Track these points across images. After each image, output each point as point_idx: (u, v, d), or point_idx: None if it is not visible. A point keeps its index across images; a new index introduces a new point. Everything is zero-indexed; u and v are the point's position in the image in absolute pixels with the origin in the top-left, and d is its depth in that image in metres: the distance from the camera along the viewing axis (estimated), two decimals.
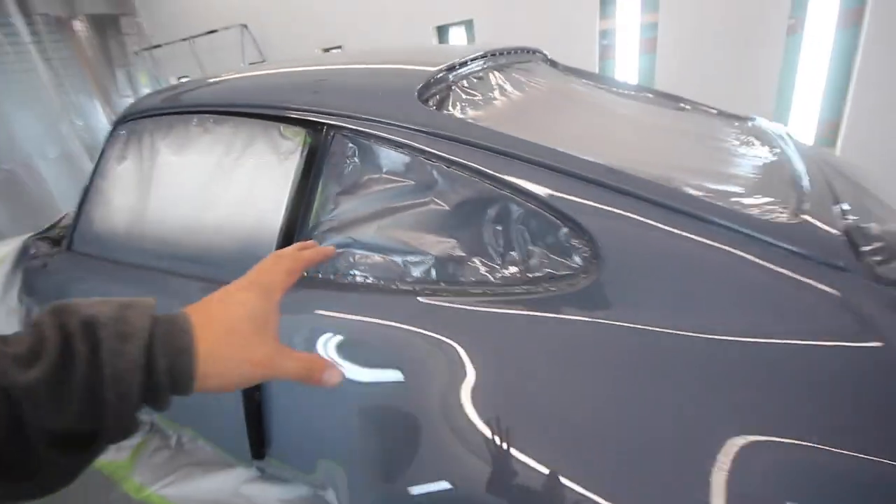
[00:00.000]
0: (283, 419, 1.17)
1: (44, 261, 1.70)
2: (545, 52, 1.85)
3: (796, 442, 0.62)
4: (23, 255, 1.84)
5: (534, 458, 0.73)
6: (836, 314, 0.70)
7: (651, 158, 0.99)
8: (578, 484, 0.69)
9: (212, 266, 1.17)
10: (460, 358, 0.83)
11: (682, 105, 1.65)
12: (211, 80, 1.33)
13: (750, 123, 1.51)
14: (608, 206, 0.80)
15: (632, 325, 0.76)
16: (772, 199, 0.86)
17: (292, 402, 1.12)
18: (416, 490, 0.80)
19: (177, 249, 1.24)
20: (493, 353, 0.83)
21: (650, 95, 1.68)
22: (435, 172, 0.94)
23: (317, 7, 4.57)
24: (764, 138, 1.26)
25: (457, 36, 4.19)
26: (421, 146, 0.94)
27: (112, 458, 2.01)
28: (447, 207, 0.94)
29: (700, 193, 0.83)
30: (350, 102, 1.01)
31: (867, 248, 0.76)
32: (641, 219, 0.78)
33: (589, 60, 3.64)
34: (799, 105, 3.25)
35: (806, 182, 0.94)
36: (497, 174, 0.88)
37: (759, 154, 1.10)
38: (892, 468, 0.58)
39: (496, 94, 1.20)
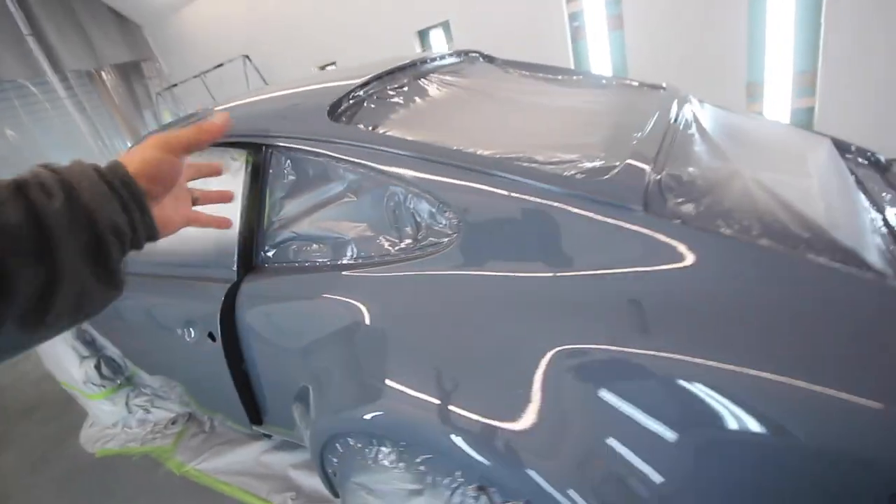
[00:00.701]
0: (266, 386, 1.45)
1: None
2: (481, 51, 2.06)
3: (601, 347, 0.83)
4: None
5: (417, 377, 0.97)
6: (631, 247, 0.89)
7: (522, 139, 1.19)
8: (444, 394, 0.93)
9: (191, 266, 1.47)
10: (370, 313, 1.08)
11: (602, 82, 1.82)
12: (185, 117, 1.64)
13: (660, 91, 1.67)
14: (460, 181, 1.02)
15: (484, 273, 0.98)
16: (604, 160, 1.04)
17: (267, 369, 1.40)
18: (354, 415, 1.06)
19: (171, 256, 1.55)
20: (393, 306, 1.07)
21: (573, 77, 1.86)
22: (344, 173, 1.19)
23: (307, 29, 4.91)
24: (653, 105, 1.42)
25: (437, 37, 4.40)
26: (331, 154, 1.19)
27: (159, 443, 2.38)
28: (356, 199, 1.19)
29: (542, 162, 1.04)
30: (276, 125, 1.28)
31: (668, 193, 0.95)
32: (485, 188, 1.00)
33: (562, 44, 3.77)
34: (772, 61, 3.26)
35: (646, 143, 1.11)
36: (386, 168, 1.11)
37: (629, 121, 1.28)
38: (665, 359, 0.77)
39: (411, 99, 1.43)
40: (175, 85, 6.08)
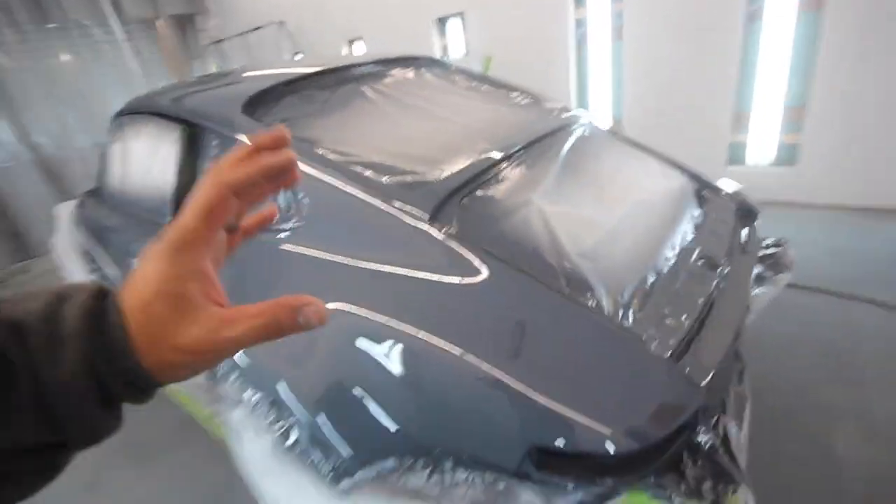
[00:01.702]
0: None
1: (85, 204, 2.54)
2: (436, 58, 2.28)
3: (357, 311, 1.10)
4: (80, 204, 2.72)
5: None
6: (429, 248, 1.14)
7: (387, 145, 1.45)
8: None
9: (146, 211, 1.85)
10: (244, 272, 1.41)
11: (513, 96, 2.01)
12: (155, 92, 1.98)
13: (560, 118, 1.87)
14: (313, 175, 1.30)
15: (311, 251, 1.27)
16: (425, 175, 1.29)
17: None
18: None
19: (136, 200, 1.94)
20: (264, 268, 1.39)
21: (499, 93, 2.05)
22: None
23: (338, 4, 5.18)
24: (529, 132, 1.63)
25: (454, 25, 4.56)
26: (238, 139, 1.49)
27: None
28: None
29: (376, 168, 1.30)
30: (209, 110, 1.59)
31: (457, 211, 1.20)
32: (323, 183, 1.28)
33: (565, 48, 3.86)
34: (762, 92, 3.25)
35: (473, 167, 1.35)
36: None
37: (489, 143, 1.50)
38: (401, 331, 1.03)
39: (324, 100, 1.70)
40: (222, 40, 6.57)
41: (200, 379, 2.25)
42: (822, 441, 1.62)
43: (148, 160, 1.86)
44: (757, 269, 1.64)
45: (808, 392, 1.83)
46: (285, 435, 1.21)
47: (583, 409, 0.89)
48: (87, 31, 5.57)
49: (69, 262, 2.89)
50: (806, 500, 1.48)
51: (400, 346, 1.07)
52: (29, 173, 5.23)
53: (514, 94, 2.06)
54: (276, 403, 1.22)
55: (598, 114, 4.05)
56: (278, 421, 1.23)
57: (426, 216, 1.17)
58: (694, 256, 1.33)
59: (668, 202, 1.50)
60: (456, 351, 0.99)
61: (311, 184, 1.32)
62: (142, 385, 0.33)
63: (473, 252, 1.12)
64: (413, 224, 1.17)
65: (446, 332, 1.02)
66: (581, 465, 0.96)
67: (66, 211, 3.00)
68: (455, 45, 4.66)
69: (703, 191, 1.70)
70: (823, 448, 1.60)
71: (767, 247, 1.76)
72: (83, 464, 1.92)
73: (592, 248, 1.20)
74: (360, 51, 5.38)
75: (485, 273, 1.09)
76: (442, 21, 4.60)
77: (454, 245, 1.13)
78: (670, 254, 1.31)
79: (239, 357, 1.28)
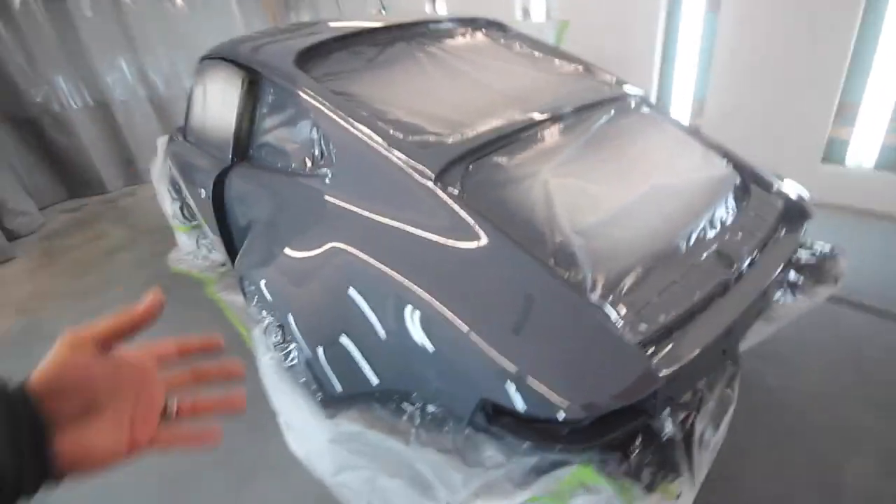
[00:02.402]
0: (234, 231, 2.04)
1: (173, 139, 2.88)
2: (499, 21, 2.25)
3: (374, 261, 1.21)
4: (170, 139, 3.08)
5: (279, 246, 1.46)
6: (430, 205, 1.22)
7: (419, 105, 1.51)
8: (275, 257, 1.41)
9: (214, 147, 2.08)
10: (281, 205, 1.58)
11: (566, 66, 1.94)
12: (232, 41, 2.17)
13: (606, 84, 1.80)
14: (341, 125, 1.41)
15: (333, 199, 1.39)
16: (444, 137, 1.34)
17: (235, 221, 1.98)
18: (245, 265, 1.59)
19: (207, 139, 2.18)
20: (290, 202, 1.55)
21: (555, 61, 1.99)
22: (295, 105, 1.63)
23: None
24: (569, 102, 1.59)
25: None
26: (291, 89, 1.62)
27: (208, 274, 3.23)
28: (298, 125, 1.63)
29: (401, 126, 1.37)
30: (262, 61, 1.74)
31: (461, 174, 1.26)
32: (350, 135, 1.38)
33: (654, 18, 3.57)
34: (876, 84, 2.81)
35: (496, 131, 1.37)
36: (314, 106, 1.52)
37: (523, 110, 1.50)
38: (393, 278, 1.14)
39: (372, 57, 1.78)
40: None
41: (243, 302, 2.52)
42: (831, 464, 1.51)
43: (218, 102, 2.08)
44: (793, 277, 1.52)
45: (828, 410, 1.68)
46: (287, 356, 1.39)
47: (532, 373, 0.94)
48: None
49: (160, 188, 3.33)
50: None
51: (385, 294, 1.17)
52: (143, 108, 5.93)
53: (569, 64, 2.00)
54: (284, 327, 1.39)
55: (674, 93, 3.74)
56: (283, 343, 1.40)
57: (432, 175, 1.24)
58: (709, 250, 1.27)
59: (696, 190, 1.42)
60: (430, 301, 1.07)
61: (341, 134, 1.43)
62: (46, 477, 0.36)
63: (471, 215, 1.17)
64: (420, 181, 1.24)
65: (427, 285, 1.10)
66: (531, 427, 1.02)
67: (162, 143, 3.41)
68: (537, 7, 4.46)
69: (749, 185, 1.58)
70: (830, 474, 1.49)
71: (815, 254, 1.61)
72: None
73: (592, 226, 1.20)
74: (441, 8, 5.34)
75: (476, 236, 1.14)
76: None
77: (454, 206, 1.19)
78: (681, 242, 1.26)
79: (262, 285, 1.46)
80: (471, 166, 1.28)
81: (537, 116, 1.46)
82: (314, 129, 1.52)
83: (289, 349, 1.38)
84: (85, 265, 3.75)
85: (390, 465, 1.30)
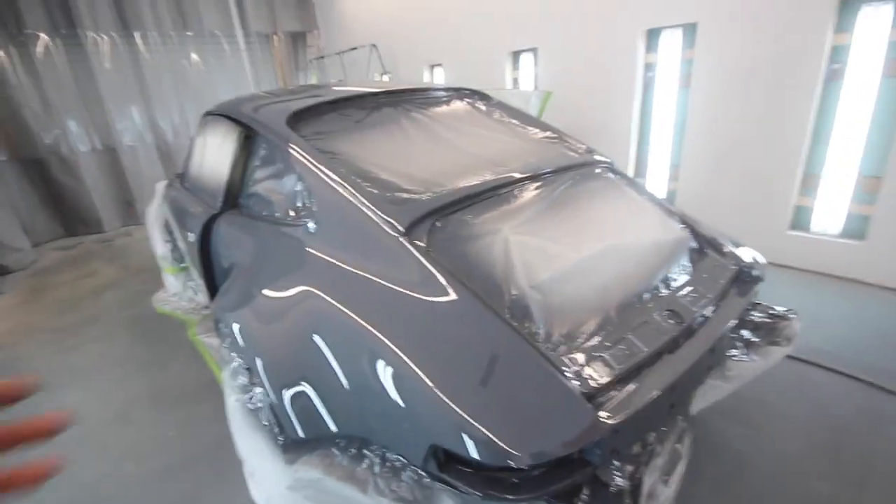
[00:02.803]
0: (217, 275, 2.11)
1: (172, 185, 3.01)
2: (478, 90, 2.46)
3: (340, 305, 1.27)
4: (168, 184, 3.22)
5: (245, 291, 1.52)
6: (398, 257, 1.30)
7: (398, 165, 1.64)
8: (250, 298, 1.47)
9: (206, 195, 2.19)
10: (262, 251, 1.66)
11: (539, 134, 2.11)
12: (237, 99, 2.36)
13: (576, 151, 1.95)
14: (321, 181, 1.52)
15: (312, 249, 1.48)
16: (418, 195, 1.45)
17: (218, 265, 2.05)
18: (222, 305, 1.65)
19: (201, 186, 2.30)
20: (271, 249, 1.63)
21: (527, 128, 2.17)
22: (283, 160, 1.75)
23: (423, 32, 5.59)
24: (537, 166, 1.73)
25: (526, 60, 4.73)
26: (280, 146, 1.75)
27: (192, 316, 3.24)
28: (285, 178, 1.75)
29: (381, 184, 1.48)
30: (258, 119, 1.89)
31: (430, 230, 1.35)
32: (329, 190, 1.48)
33: (630, 90, 3.86)
34: (835, 155, 3.02)
35: (462, 192, 1.48)
36: (299, 161, 1.64)
37: (492, 173, 1.62)
38: (355, 321, 1.20)
39: (358, 119, 1.94)
40: (322, 57, 7.32)
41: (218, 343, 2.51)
42: None
43: (215, 154, 2.22)
44: (748, 336, 1.58)
45: (795, 474, 1.68)
46: (252, 399, 1.41)
47: (481, 420, 0.98)
48: (217, 39, 6.52)
49: (153, 230, 3.42)
50: None
51: (346, 339, 1.23)
52: (149, 153, 6.18)
53: (542, 132, 2.17)
54: (252, 370, 1.43)
55: (651, 160, 3.97)
56: (250, 385, 1.43)
57: (402, 229, 1.33)
58: (660, 307, 1.35)
59: (650, 250, 1.52)
60: (388, 348, 1.12)
61: (322, 188, 1.54)
62: None
63: (435, 268, 1.25)
64: (390, 234, 1.33)
65: (388, 333, 1.16)
66: (480, 475, 1.04)
67: (160, 188, 3.55)
68: (525, 78, 4.82)
69: (704, 248, 1.68)
70: None
71: (770, 316, 1.69)
72: (122, 403, 2.29)
73: (547, 281, 1.27)
74: (439, 76, 5.74)
75: (439, 289, 1.21)
76: (516, 55, 4.79)
77: (420, 258, 1.27)
78: (633, 299, 1.34)
79: (234, 328, 1.51)
80: (438, 222, 1.37)
81: (505, 178, 1.59)
82: (299, 183, 1.63)
83: (254, 392, 1.41)
84: (69, 303, 3.77)
85: None
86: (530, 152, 1.90)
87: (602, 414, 1.02)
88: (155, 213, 3.43)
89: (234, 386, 1.48)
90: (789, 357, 2.21)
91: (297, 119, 1.84)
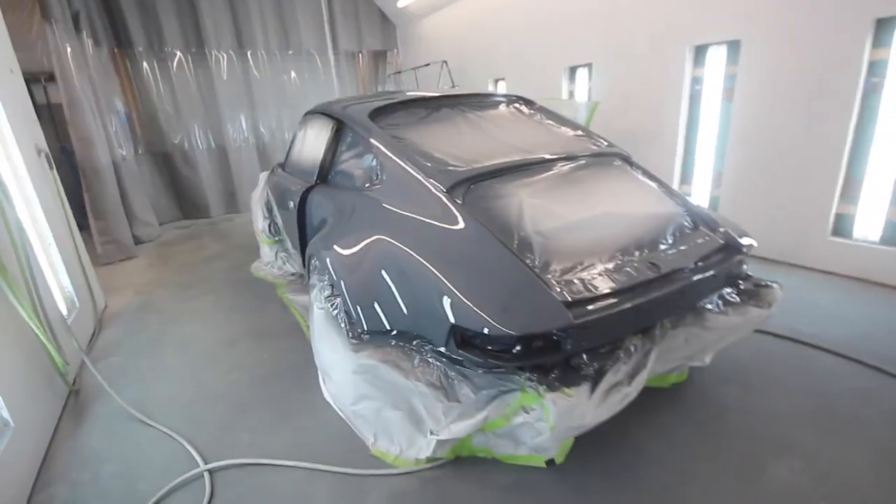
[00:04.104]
0: (310, 236, 2.73)
1: (274, 171, 3.76)
2: (524, 97, 2.93)
3: (400, 244, 1.80)
4: (271, 171, 3.99)
5: (341, 239, 2.09)
6: (441, 208, 1.81)
7: (449, 149, 2.15)
8: (337, 242, 2.04)
9: (303, 173, 2.84)
10: (347, 210, 2.24)
11: (570, 132, 2.53)
12: (328, 102, 3.01)
13: (597, 146, 2.35)
14: (388, 155, 2.07)
15: (380, 201, 2.03)
16: (458, 167, 1.95)
17: (311, 228, 2.67)
18: (319, 247, 2.24)
19: (300, 167, 2.97)
20: (356, 207, 2.20)
21: (559, 126, 2.59)
22: (364, 144, 2.34)
23: (488, 52, 6.18)
24: (561, 151, 2.16)
25: (581, 75, 5.11)
26: (363, 134, 2.34)
27: (280, 280, 3.96)
28: (364, 157, 2.33)
29: (430, 158, 2.00)
30: (347, 114, 2.50)
31: (466, 191, 1.84)
32: (394, 162, 2.03)
33: (677, 103, 4.12)
34: (875, 164, 3.11)
35: (496, 166, 1.96)
36: (375, 144, 2.21)
37: (523, 154, 2.09)
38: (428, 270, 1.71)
39: (423, 115, 2.48)
40: (399, 72, 8.15)
41: (308, 303, 3.08)
42: (755, 462, 1.73)
43: (311, 142, 2.87)
44: (729, 296, 1.89)
45: (771, 428, 1.90)
46: (334, 307, 1.96)
47: (487, 310, 1.44)
48: (312, 57, 7.57)
49: (256, 209, 4.21)
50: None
51: (403, 264, 1.74)
52: (250, 152, 7.28)
53: (573, 130, 2.59)
54: (334, 287, 1.99)
55: (696, 167, 4.16)
56: (332, 297, 1.99)
57: (444, 190, 1.83)
58: (641, 258, 1.73)
59: (643, 220, 1.89)
60: (428, 265, 1.62)
61: (388, 162, 2.09)
62: None
63: (465, 215, 1.73)
64: (436, 194, 1.84)
65: (430, 256, 1.66)
66: (486, 351, 1.50)
67: (263, 176, 4.35)
68: (580, 91, 5.19)
69: (698, 225, 2.01)
70: (750, 469, 1.72)
71: (756, 285, 1.97)
72: (229, 334, 3.09)
73: (548, 230, 1.71)
74: (502, 89, 6.26)
75: (468, 229, 1.69)
76: (572, 69, 5.19)
77: (456, 210, 1.76)
78: (621, 252, 1.73)
79: (327, 260, 2.07)
80: (472, 186, 1.86)
81: (529, 159, 2.04)
82: (375, 160, 2.19)
83: (335, 302, 1.96)
84: (187, 266, 4.68)
85: (395, 398, 1.79)
86: (557, 143, 2.33)
87: (572, 313, 1.44)
88: (258, 195, 4.22)
89: (321, 299, 2.05)
90: (804, 343, 2.43)
91: (376, 114, 2.42)
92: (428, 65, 6.97)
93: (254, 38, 7.01)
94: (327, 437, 2.03)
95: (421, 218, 1.82)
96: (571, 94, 5.29)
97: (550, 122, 2.67)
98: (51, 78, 5.11)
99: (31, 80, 4.45)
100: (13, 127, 2.70)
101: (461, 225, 1.71)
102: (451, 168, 1.95)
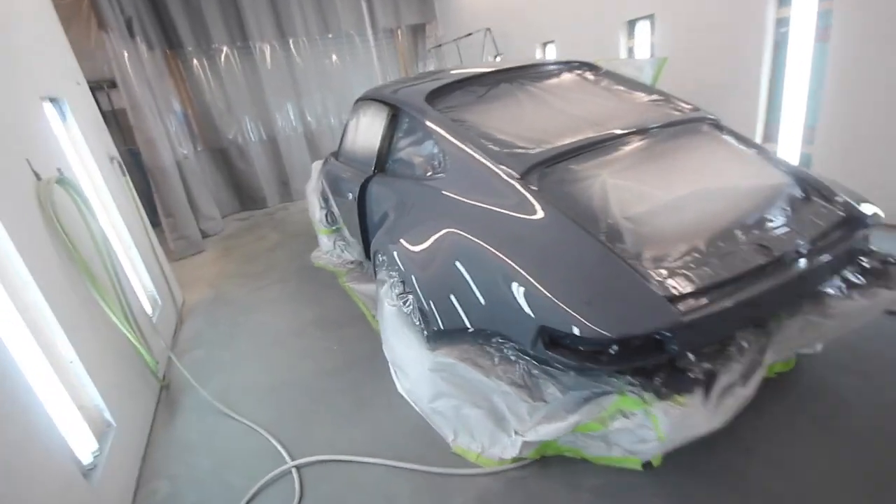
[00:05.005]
0: (371, 229, 2.69)
1: (328, 161, 3.74)
2: (589, 62, 2.67)
3: (474, 238, 1.69)
4: (325, 161, 3.97)
5: (408, 232, 2.02)
6: (515, 197, 1.68)
7: (515, 128, 1.99)
8: (404, 236, 1.96)
9: (359, 163, 2.78)
10: (410, 200, 2.15)
11: (646, 98, 2.28)
12: (381, 85, 2.89)
13: (680, 111, 2.10)
14: (452, 141, 1.94)
15: (445, 191, 1.92)
16: (528, 149, 1.79)
17: (373, 219, 2.62)
18: (384, 241, 2.18)
19: (356, 157, 2.91)
20: (419, 198, 2.11)
21: (637, 94, 2.34)
22: (423, 129, 2.22)
23: (533, 14, 5.76)
24: (641, 122, 1.95)
25: (642, 28, 4.65)
26: (420, 118, 2.22)
27: (345, 268, 3.99)
28: (424, 144, 2.22)
29: (496, 141, 1.86)
30: (402, 99, 2.38)
31: (540, 175, 1.70)
32: (459, 148, 1.90)
33: (759, 49, 3.66)
34: None
35: (571, 146, 1.78)
36: (436, 130, 2.09)
37: (597, 129, 1.89)
38: (490, 251, 1.60)
39: (483, 94, 2.32)
40: (440, 45, 7.86)
41: (371, 292, 3.08)
42: (886, 467, 1.52)
43: (366, 130, 2.79)
44: (852, 277, 1.64)
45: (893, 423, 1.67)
46: (407, 304, 1.90)
47: (579, 309, 1.31)
48: (351, 39, 7.46)
49: (312, 199, 4.24)
50: None
51: (479, 260, 1.63)
52: (299, 141, 7.37)
53: (648, 95, 2.33)
54: (406, 283, 1.92)
55: (783, 122, 3.71)
56: (404, 294, 1.93)
57: (517, 176, 1.69)
58: (751, 241, 1.51)
59: (745, 194, 1.66)
60: (509, 261, 1.50)
61: (451, 148, 1.96)
62: None
63: (544, 203, 1.59)
64: (508, 181, 1.70)
65: (508, 251, 1.54)
66: (576, 353, 1.37)
67: (316, 166, 4.36)
68: (641, 47, 4.75)
69: (810, 195, 1.75)
70: (881, 474, 1.51)
71: (884, 262, 1.70)
72: (298, 323, 3.09)
73: (638, 214, 1.53)
74: (551, 53, 5.88)
75: (547, 218, 1.55)
76: (631, 24, 4.74)
77: (531, 198, 1.62)
78: (724, 234, 1.53)
79: (395, 255, 2.00)
80: (546, 170, 1.70)
81: (605, 134, 1.84)
82: (436, 146, 2.07)
83: (408, 298, 1.90)
84: (252, 257, 4.85)
85: (474, 395, 1.72)
86: (634, 113, 2.10)
87: (677, 310, 1.28)
88: (313, 186, 4.24)
89: (391, 295, 2.00)
90: None
91: (433, 97, 2.28)
92: (470, 34, 6.66)
93: (294, 26, 6.98)
94: (406, 432, 2.01)
95: (494, 208, 1.70)
96: (631, 51, 4.86)
97: (621, 87, 2.42)
98: (112, 84, 5.36)
99: (94, 87, 4.67)
100: (87, 138, 2.81)
101: (540, 214, 1.57)
102: (520, 151, 1.80)
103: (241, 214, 7.04)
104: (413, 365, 1.92)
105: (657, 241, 1.48)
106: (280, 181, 7.36)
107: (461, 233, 1.71)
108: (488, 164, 1.78)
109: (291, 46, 7.06)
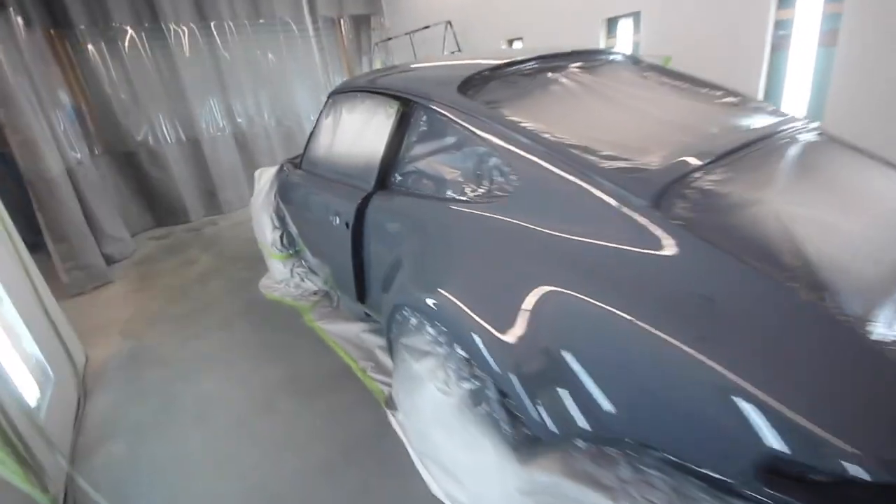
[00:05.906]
0: (372, 269, 2.02)
1: (284, 170, 2.95)
2: (625, 53, 2.22)
3: (575, 294, 1.12)
4: (279, 170, 3.16)
5: (459, 286, 1.38)
6: (655, 236, 1.12)
7: (595, 133, 1.45)
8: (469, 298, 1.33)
9: (346, 175, 2.08)
10: (446, 234, 1.52)
11: (722, 93, 1.85)
12: (368, 73, 2.23)
13: (768, 112, 1.70)
14: (525, 154, 1.36)
15: (518, 222, 1.33)
16: (641, 162, 1.26)
17: (375, 257, 1.95)
18: (416, 295, 1.51)
19: (339, 168, 2.20)
20: (461, 233, 1.48)
21: (700, 90, 1.92)
22: (455, 131, 1.61)
23: (502, 6, 5.32)
24: (745, 129, 1.50)
25: (625, 27, 4.39)
26: (450, 116, 1.61)
27: (303, 303, 3.23)
28: (459, 152, 1.60)
29: (591, 153, 1.30)
30: (424, 89, 1.75)
31: (681, 199, 1.16)
32: (539, 163, 1.32)
33: (758, 52, 3.48)
34: None
35: (692, 157, 1.28)
36: (482, 134, 1.50)
37: (698, 136, 1.41)
38: (627, 320, 1.03)
39: (530, 85, 1.76)
40: (390, 39, 7.20)
41: (353, 335, 2.41)
42: None
43: (356, 132, 2.10)
44: None
45: None
46: (475, 392, 1.28)
47: (827, 425, 0.79)
48: (287, 26, 6.52)
49: (261, 217, 3.40)
50: None
51: (615, 331, 1.06)
52: (227, 143, 6.29)
53: (716, 91, 1.91)
54: (470, 361, 1.30)
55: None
56: (469, 378, 1.30)
57: (646, 203, 1.15)
58: None
59: None
60: (686, 346, 0.95)
61: (522, 163, 1.37)
62: None
63: (708, 247, 1.06)
64: (632, 211, 1.15)
65: (673, 325, 0.99)
66: (822, 492, 0.86)
67: (262, 175, 3.49)
68: (623, 46, 4.48)
69: None
70: None
71: None
72: (262, 391, 2.20)
73: (837, 255, 1.06)
74: (518, 47, 5.48)
75: (723, 269, 1.02)
76: (612, 21, 4.46)
77: (684, 236, 1.09)
78: None
79: (441, 313, 1.37)
80: (684, 192, 1.18)
81: (724, 146, 1.36)
82: (491, 158, 1.47)
83: (477, 385, 1.28)
84: (179, 290, 3.86)
85: None
86: (724, 116, 1.66)
87: None
88: (262, 201, 3.40)
89: (451, 382, 1.35)
90: None
91: (466, 87, 1.68)
92: (427, 27, 6.07)
93: (216, 6, 5.92)
94: None
95: (616, 247, 1.14)
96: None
97: (681, 83, 1.99)
98: None
99: None
100: None
101: (706, 262, 1.04)
102: (628, 165, 1.26)
103: (157, 231, 5.83)
104: (485, 479, 1.31)
105: (870, 288, 1.01)
106: (205, 190, 6.23)
107: (575, 294, 1.13)
108: (590, 186, 1.21)
109: (214, 31, 5.99)
